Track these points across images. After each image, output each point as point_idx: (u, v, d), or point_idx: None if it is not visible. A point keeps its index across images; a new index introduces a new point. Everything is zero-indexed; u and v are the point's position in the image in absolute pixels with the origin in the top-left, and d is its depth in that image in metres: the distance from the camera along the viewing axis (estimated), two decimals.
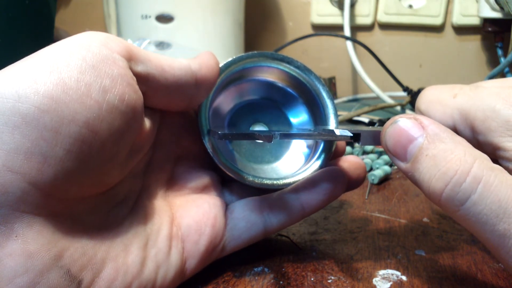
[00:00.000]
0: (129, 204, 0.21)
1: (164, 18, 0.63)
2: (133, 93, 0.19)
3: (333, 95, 0.79)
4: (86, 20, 0.88)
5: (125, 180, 0.21)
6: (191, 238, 0.23)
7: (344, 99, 0.78)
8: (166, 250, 0.22)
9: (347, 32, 0.74)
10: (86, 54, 0.18)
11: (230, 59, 0.26)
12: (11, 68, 0.17)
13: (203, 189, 0.25)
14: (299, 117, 0.29)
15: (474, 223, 0.18)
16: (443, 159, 0.18)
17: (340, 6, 0.79)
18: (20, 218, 0.16)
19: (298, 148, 0.29)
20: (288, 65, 0.28)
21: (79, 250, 0.18)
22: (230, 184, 0.27)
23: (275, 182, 0.26)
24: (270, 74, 0.28)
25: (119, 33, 0.70)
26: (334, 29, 0.82)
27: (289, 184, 0.26)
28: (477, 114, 0.20)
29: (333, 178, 0.25)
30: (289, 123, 0.29)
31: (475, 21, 0.75)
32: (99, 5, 0.84)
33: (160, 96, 0.22)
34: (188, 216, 0.23)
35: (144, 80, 0.20)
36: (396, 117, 0.21)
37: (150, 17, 0.63)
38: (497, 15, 0.65)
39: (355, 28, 0.81)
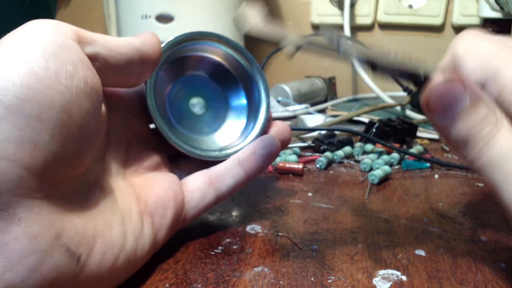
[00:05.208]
0: (99, 186, 0.23)
1: (164, 18, 0.64)
2: (93, 76, 0.20)
3: (333, 95, 0.79)
4: (86, 20, 0.88)
5: (92, 163, 0.23)
6: (158, 213, 0.25)
7: (344, 99, 0.78)
8: (139, 225, 0.24)
9: (347, 32, 0.74)
10: (45, 42, 0.19)
11: (173, 37, 0.28)
12: None
13: (156, 167, 0.28)
14: (237, 98, 0.33)
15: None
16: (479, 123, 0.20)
17: (340, 6, 0.79)
18: (20, 203, 0.17)
19: (234, 119, 0.33)
20: (230, 48, 0.31)
21: (73, 228, 0.19)
22: (176, 160, 0.30)
23: (218, 153, 0.30)
24: (213, 53, 0.31)
25: (119, 33, 0.70)
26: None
27: (232, 153, 0.29)
28: (509, 85, 0.20)
29: (268, 145, 0.29)
30: (226, 101, 0.33)
31: (475, 21, 0.75)
32: (99, 5, 0.84)
33: (109, 75, 0.23)
34: (152, 194, 0.25)
35: (94, 61, 0.21)
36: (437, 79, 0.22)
37: (150, 17, 0.63)
38: (497, 15, 0.65)
39: (355, 28, 0.81)
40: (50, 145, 0.18)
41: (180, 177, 0.28)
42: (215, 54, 0.31)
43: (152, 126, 0.29)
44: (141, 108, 0.28)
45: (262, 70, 0.31)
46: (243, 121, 0.32)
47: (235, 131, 0.32)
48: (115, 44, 0.23)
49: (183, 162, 0.30)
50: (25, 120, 0.17)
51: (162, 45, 0.27)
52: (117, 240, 0.22)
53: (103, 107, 0.24)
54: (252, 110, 0.32)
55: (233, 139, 0.32)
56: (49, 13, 0.51)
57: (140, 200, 0.25)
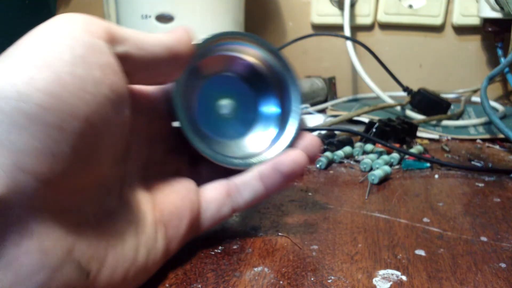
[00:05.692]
0: (115, 193, 0.22)
1: (164, 18, 0.63)
2: (120, 81, 0.19)
3: (333, 95, 0.79)
4: None
5: (111, 168, 0.22)
6: (173, 223, 0.24)
7: (344, 99, 0.78)
8: (153, 235, 0.23)
9: (347, 32, 0.74)
10: (73, 43, 0.18)
11: (207, 35, 0.27)
12: (2, 63, 0.17)
13: (175, 171, 0.26)
14: (267, 104, 0.31)
15: None
16: None
17: (340, 6, 0.79)
18: (34, 216, 0.16)
19: (262, 126, 0.30)
20: (266, 50, 0.29)
21: (86, 242, 0.18)
22: (197, 162, 0.28)
23: (241, 161, 0.28)
24: (247, 54, 0.29)
25: None
26: (334, 29, 0.82)
27: (255, 163, 0.28)
28: None
29: (293, 163, 0.26)
30: (256, 106, 0.30)
31: (475, 21, 0.75)
32: (99, 5, 0.84)
33: (137, 74, 0.22)
34: (168, 202, 0.24)
35: (123, 61, 0.20)
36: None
37: (150, 17, 0.63)
38: (497, 15, 0.65)
39: (355, 28, 0.81)
40: (70, 157, 0.17)
41: (198, 182, 0.27)
42: (249, 55, 0.29)
43: (176, 124, 0.27)
44: (166, 105, 0.26)
45: (297, 78, 0.29)
46: (271, 129, 0.30)
47: (262, 139, 0.30)
48: (147, 42, 0.21)
49: (203, 166, 0.28)
50: (46, 130, 0.16)
51: (196, 42, 0.25)
52: (129, 253, 0.21)
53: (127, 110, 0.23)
54: (282, 119, 0.30)
55: (259, 147, 0.30)
56: (49, 13, 0.51)
57: (156, 208, 0.24)
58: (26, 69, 0.16)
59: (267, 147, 0.29)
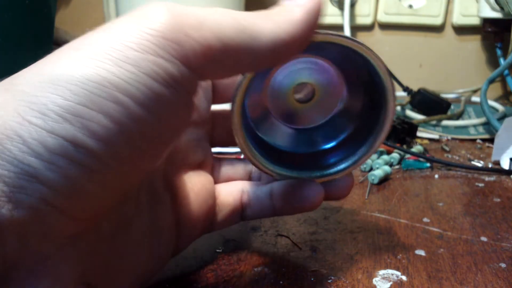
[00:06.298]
0: (132, 201, 0.20)
1: None
2: (203, 111, 0.21)
3: None
4: (86, 20, 0.88)
5: None
6: (188, 227, 0.23)
7: None
8: (168, 240, 0.22)
9: (347, 32, 0.74)
10: (163, 74, 0.16)
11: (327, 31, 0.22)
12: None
13: (199, 166, 0.25)
14: (355, 106, 0.26)
15: None
16: None
17: (340, 6, 0.79)
18: (53, 243, 0.16)
19: (337, 128, 0.27)
20: (370, 54, 0.23)
21: (99, 261, 0.18)
22: (220, 160, 0.27)
23: (286, 170, 0.25)
24: (347, 43, 0.23)
25: None
26: (334, 29, 0.82)
27: (303, 177, 0.25)
28: None
29: (306, 200, 0.24)
30: (338, 101, 0.26)
31: (475, 21, 0.75)
32: (99, 5, 0.84)
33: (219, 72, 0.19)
34: (187, 205, 0.23)
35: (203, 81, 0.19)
36: None
37: None
38: (497, 15, 0.65)
39: (355, 28, 0.81)
40: (104, 198, 0.16)
41: (217, 178, 0.26)
42: (349, 44, 0.23)
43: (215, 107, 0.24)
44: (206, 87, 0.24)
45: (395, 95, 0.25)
46: (345, 133, 0.27)
47: (333, 143, 0.27)
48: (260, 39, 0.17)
49: (225, 162, 0.27)
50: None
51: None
52: (143, 264, 0.20)
53: None
54: (362, 131, 0.26)
55: (321, 154, 0.26)
56: (49, 13, 0.51)
57: (174, 207, 0.22)
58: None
59: (330, 155, 0.26)
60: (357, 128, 0.27)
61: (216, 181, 0.26)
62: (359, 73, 0.25)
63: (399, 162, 0.44)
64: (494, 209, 0.34)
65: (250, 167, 0.27)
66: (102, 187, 0.16)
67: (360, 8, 0.80)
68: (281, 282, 0.24)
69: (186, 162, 0.24)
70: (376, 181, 0.39)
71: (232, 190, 0.26)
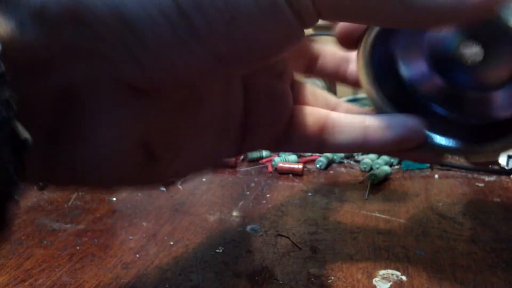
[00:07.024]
0: (206, 82, 0.19)
1: None
2: None
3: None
4: None
5: None
6: (260, 130, 0.21)
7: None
8: (234, 137, 0.21)
9: None
10: None
11: None
12: None
13: (279, 75, 0.22)
14: None
15: None
16: None
17: None
18: (118, 94, 0.15)
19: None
20: None
21: (164, 129, 0.18)
22: (301, 85, 0.25)
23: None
24: None
25: None
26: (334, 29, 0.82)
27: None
28: None
29: (409, 134, 0.22)
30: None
31: None
32: None
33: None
34: (260, 103, 0.21)
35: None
36: None
37: None
38: None
39: None
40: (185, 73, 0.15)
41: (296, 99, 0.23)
42: None
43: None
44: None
45: None
46: None
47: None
48: None
49: (306, 88, 0.24)
50: None
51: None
52: (204, 147, 0.19)
53: None
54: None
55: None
56: None
57: (245, 109, 0.21)
58: None
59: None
60: None
61: (294, 101, 0.23)
62: None
63: (399, 162, 0.44)
64: (494, 209, 0.34)
65: (334, 102, 0.26)
66: (190, 63, 0.15)
67: None
68: (281, 282, 0.24)
69: (266, 69, 0.22)
70: (376, 181, 0.39)
71: (315, 112, 0.23)
